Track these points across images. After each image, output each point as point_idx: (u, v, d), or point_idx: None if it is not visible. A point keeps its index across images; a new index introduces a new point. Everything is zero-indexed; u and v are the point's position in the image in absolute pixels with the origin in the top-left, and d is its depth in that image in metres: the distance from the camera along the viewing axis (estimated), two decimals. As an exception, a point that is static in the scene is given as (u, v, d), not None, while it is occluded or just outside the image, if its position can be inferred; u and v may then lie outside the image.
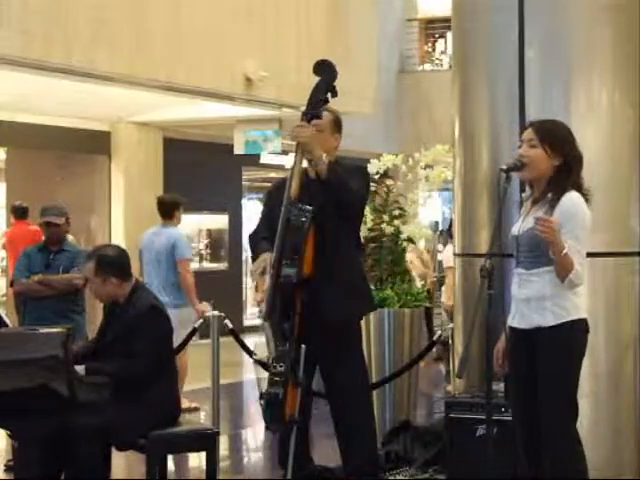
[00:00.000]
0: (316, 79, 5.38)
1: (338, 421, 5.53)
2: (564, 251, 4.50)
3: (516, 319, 4.74)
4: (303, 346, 5.22)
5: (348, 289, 5.47)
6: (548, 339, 4.62)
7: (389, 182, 7.94)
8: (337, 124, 5.54)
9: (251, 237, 5.72)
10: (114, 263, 5.77)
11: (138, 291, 5.79)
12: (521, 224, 4.75)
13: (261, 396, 5.21)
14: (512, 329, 4.71)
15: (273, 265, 5.23)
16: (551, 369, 4.62)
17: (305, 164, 5.37)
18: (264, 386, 5.28)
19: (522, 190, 5.08)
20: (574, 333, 4.65)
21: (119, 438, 5.55)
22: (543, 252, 4.58)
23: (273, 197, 5.68)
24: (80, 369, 5.49)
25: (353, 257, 5.59)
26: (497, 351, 4.74)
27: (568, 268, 4.54)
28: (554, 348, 4.62)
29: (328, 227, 5.30)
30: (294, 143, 5.33)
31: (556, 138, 4.70)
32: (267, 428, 5.33)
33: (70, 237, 8.69)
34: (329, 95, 5.36)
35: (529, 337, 4.69)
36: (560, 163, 4.67)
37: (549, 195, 4.67)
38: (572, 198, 4.65)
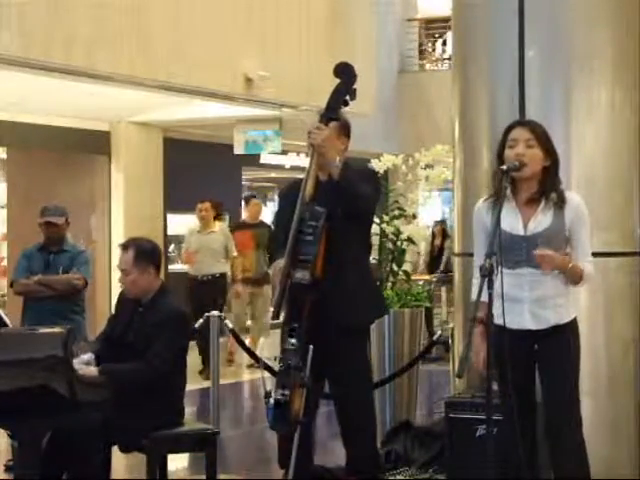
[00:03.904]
0: (336, 81, 5.37)
1: (342, 422, 5.50)
2: (569, 265, 4.65)
3: (526, 320, 4.76)
4: (311, 346, 5.17)
5: (358, 294, 5.38)
6: (565, 336, 4.75)
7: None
8: (344, 128, 5.50)
9: (269, 242, 5.70)
10: (152, 252, 5.68)
11: (165, 293, 5.68)
12: (524, 224, 4.77)
13: (266, 396, 5.17)
14: (512, 330, 4.68)
15: (284, 268, 5.19)
16: (568, 364, 4.74)
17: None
18: (269, 386, 5.26)
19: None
20: (578, 327, 4.83)
21: (120, 439, 5.55)
22: (557, 252, 4.69)
23: (284, 198, 5.66)
24: (94, 370, 5.46)
25: (363, 261, 5.52)
26: (480, 354, 4.71)
27: (578, 275, 4.70)
28: (571, 343, 4.76)
29: (338, 230, 5.24)
30: (304, 144, 5.33)
31: (549, 140, 4.81)
32: (272, 428, 5.28)
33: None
34: (348, 97, 5.37)
35: (535, 337, 4.74)
36: (549, 164, 4.78)
37: (552, 195, 4.75)
38: (577, 197, 4.83)
